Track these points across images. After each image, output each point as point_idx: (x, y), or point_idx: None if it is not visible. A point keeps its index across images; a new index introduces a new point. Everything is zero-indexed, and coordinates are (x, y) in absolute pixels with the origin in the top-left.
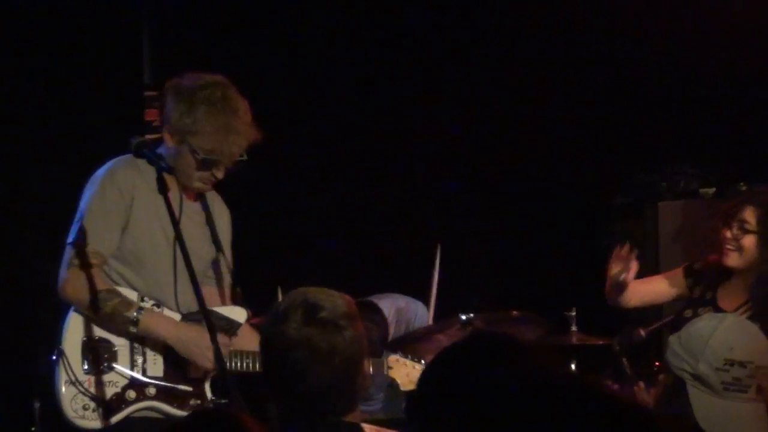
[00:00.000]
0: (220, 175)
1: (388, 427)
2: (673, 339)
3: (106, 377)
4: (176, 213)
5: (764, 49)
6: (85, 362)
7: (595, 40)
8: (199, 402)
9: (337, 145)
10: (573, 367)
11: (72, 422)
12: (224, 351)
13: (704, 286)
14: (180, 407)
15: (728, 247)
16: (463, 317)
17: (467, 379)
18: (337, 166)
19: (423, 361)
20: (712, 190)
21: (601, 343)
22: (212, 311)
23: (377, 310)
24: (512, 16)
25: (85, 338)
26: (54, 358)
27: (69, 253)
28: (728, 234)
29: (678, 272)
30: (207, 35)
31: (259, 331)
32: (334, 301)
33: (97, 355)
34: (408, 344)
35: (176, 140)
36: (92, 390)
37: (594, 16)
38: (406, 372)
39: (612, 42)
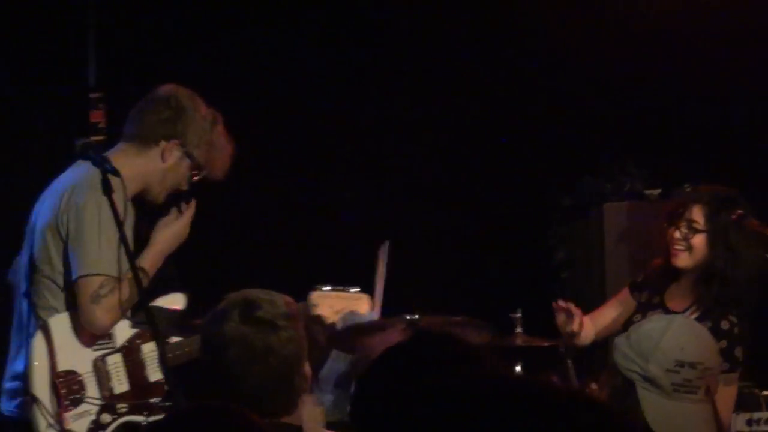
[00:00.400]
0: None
1: (336, 429)
2: (621, 340)
3: (81, 409)
4: (121, 215)
5: (705, 51)
6: (58, 401)
7: (540, 44)
8: (168, 405)
9: (287, 143)
10: (518, 369)
11: None
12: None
13: (650, 292)
14: (152, 415)
15: (677, 247)
16: (408, 317)
17: (410, 381)
18: (285, 163)
19: (351, 289)
20: (657, 192)
21: (546, 344)
22: (155, 307)
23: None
24: (459, 23)
25: (51, 376)
26: (25, 404)
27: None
28: (677, 234)
29: (624, 292)
30: (152, 36)
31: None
32: (273, 300)
33: (68, 390)
34: (353, 338)
35: (181, 151)
36: (71, 426)
37: (539, 21)
38: (329, 304)
39: (557, 47)
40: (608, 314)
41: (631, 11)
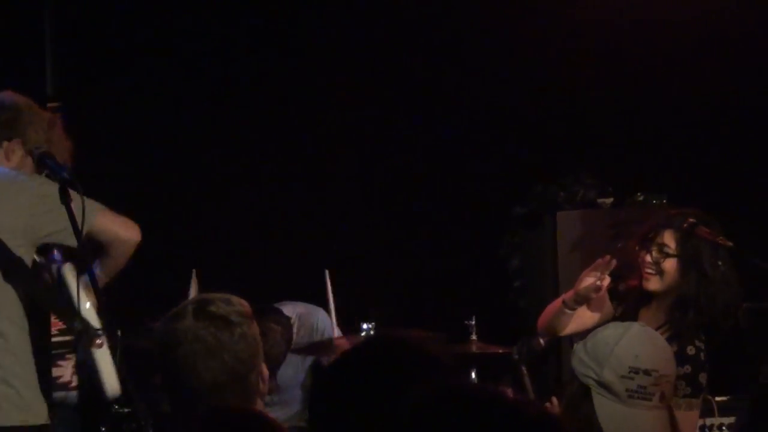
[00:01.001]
0: None
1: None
2: (578, 347)
3: None
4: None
5: (657, 64)
6: None
7: (493, 56)
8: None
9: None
10: (473, 375)
11: None
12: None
13: (626, 309)
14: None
15: (648, 271)
16: (365, 326)
17: (364, 383)
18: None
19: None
20: (609, 200)
21: (500, 351)
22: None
23: (280, 313)
24: (412, 35)
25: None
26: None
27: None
28: (648, 258)
29: (606, 298)
30: (108, 46)
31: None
32: (228, 299)
33: None
34: (317, 352)
35: (23, 149)
36: None
37: (496, 36)
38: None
39: (512, 58)
40: (589, 316)
41: (585, 29)
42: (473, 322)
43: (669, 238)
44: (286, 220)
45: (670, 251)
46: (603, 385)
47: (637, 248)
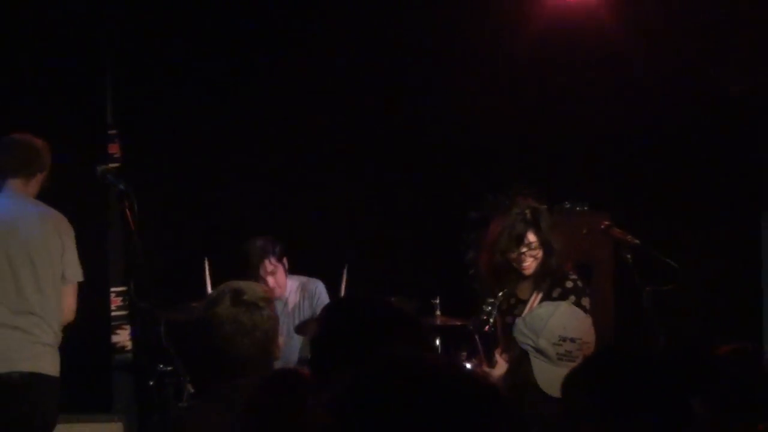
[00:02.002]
0: None
1: None
2: (519, 321)
3: None
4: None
5: (579, 100)
6: None
7: (465, 93)
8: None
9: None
10: (438, 342)
11: None
12: None
13: (507, 288)
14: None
15: (525, 264)
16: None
17: (351, 336)
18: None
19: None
20: (544, 207)
21: (459, 323)
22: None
23: None
24: (374, 62)
25: None
26: None
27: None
28: (521, 254)
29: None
30: (160, 83)
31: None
32: (254, 288)
33: None
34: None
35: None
36: None
37: (458, 63)
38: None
39: (464, 89)
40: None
41: (527, 72)
42: (437, 301)
43: (531, 236)
44: (284, 213)
45: (536, 245)
46: (539, 351)
47: (501, 255)
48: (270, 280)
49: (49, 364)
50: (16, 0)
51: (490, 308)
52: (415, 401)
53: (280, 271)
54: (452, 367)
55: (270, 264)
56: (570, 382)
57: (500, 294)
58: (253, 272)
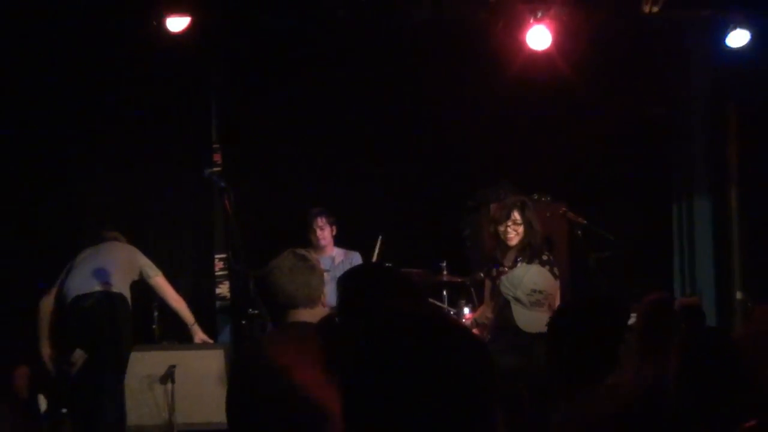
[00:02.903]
0: None
1: None
2: (503, 278)
3: None
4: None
5: (549, 111)
6: None
7: (468, 110)
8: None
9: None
10: (444, 293)
11: None
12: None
13: (492, 266)
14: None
15: (510, 235)
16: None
17: (368, 298)
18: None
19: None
20: (530, 199)
21: (460, 280)
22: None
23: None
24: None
25: None
26: None
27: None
28: (507, 228)
29: (487, 283)
30: (249, 111)
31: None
32: (307, 253)
33: None
34: None
35: None
36: None
37: (458, 94)
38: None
39: (474, 115)
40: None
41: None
42: (444, 264)
43: (516, 215)
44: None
45: (519, 221)
46: (517, 299)
47: (494, 226)
48: (319, 233)
49: None
50: (141, 45)
51: (482, 274)
52: (409, 342)
53: (328, 230)
54: (436, 316)
55: (320, 221)
56: (558, 318)
57: (493, 268)
58: (309, 230)
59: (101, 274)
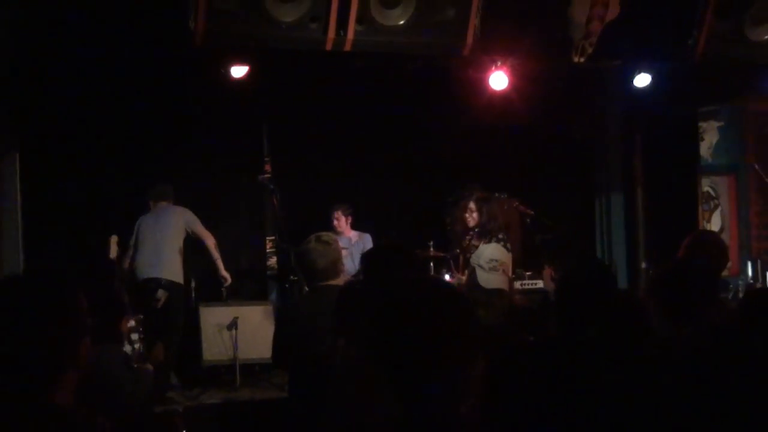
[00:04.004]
0: None
1: None
2: (474, 252)
3: None
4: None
5: (504, 132)
6: None
7: (448, 130)
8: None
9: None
10: (431, 264)
11: None
12: None
13: (464, 240)
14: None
15: (470, 219)
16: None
17: (381, 259)
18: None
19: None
20: (488, 195)
21: (442, 255)
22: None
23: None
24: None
25: None
26: None
27: None
28: (466, 214)
29: (460, 255)
30: (292, 132)
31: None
32: (327, 234)
33: None
34: None
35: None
36: None
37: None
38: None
39: (455, 133)
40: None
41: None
42: (431, 244)
43: (473, 205)
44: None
45: (474, 210)
46: (480, 266)
47: (458, 213)
48: (336, 222)
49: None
50: (214, 85)
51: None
52: (418, 299)
53: (343, 220)
54: (435, 280)
55: (337, 214)
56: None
57: (461, 245)
58: (331, 220)
59: (162, 254)
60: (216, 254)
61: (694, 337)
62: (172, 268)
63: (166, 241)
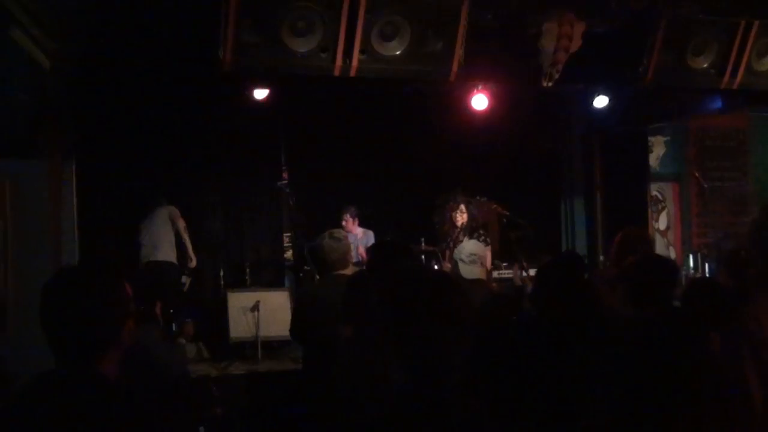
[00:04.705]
0: None
1: None
2: (456, 249)
3: None
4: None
5: (483, 145)
6: None
7: (433, 141)
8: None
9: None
10: (423, 257)
11: None
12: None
13: (451, 244)
14: None
15: (459, 219)
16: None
17: (386, 253)
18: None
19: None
20: (475, 199)
21: (432, 249)
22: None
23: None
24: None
25: None
26: None
27: None
28: (456, 215)
29: (446, 250)
30: (309, 141)
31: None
32: (338, 231)
33: None
34: None
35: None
36: None
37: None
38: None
39: (440, 144)
40: None
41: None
42: (423, 240)
43: (462, 209)
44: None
45: (464, 211)
46: (461, 260)
47: (449, 214)
48: (344, 223)
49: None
50: (239, 104)
51: (450, 244)
52: (417, 284)
53: (350, 221)
54: (432, 269)
55: (345, 216)
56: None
57: (450, 240)
58: (340, 220)
59: (156, 242)
60: (185, 237)
61: (655, 317)
62: (166, 250)
63: (158, 230)
